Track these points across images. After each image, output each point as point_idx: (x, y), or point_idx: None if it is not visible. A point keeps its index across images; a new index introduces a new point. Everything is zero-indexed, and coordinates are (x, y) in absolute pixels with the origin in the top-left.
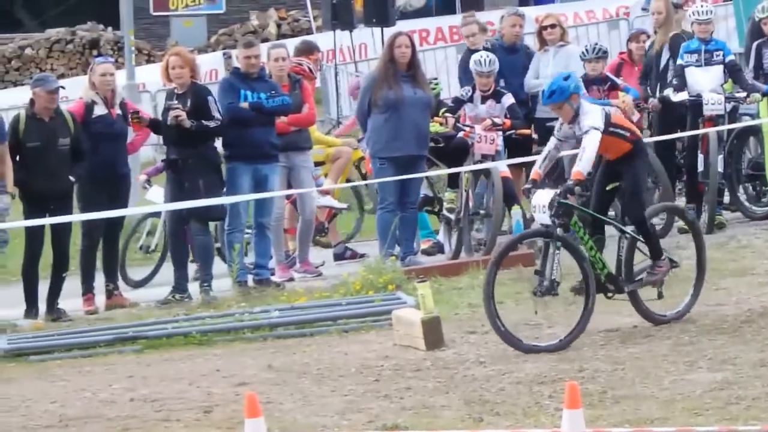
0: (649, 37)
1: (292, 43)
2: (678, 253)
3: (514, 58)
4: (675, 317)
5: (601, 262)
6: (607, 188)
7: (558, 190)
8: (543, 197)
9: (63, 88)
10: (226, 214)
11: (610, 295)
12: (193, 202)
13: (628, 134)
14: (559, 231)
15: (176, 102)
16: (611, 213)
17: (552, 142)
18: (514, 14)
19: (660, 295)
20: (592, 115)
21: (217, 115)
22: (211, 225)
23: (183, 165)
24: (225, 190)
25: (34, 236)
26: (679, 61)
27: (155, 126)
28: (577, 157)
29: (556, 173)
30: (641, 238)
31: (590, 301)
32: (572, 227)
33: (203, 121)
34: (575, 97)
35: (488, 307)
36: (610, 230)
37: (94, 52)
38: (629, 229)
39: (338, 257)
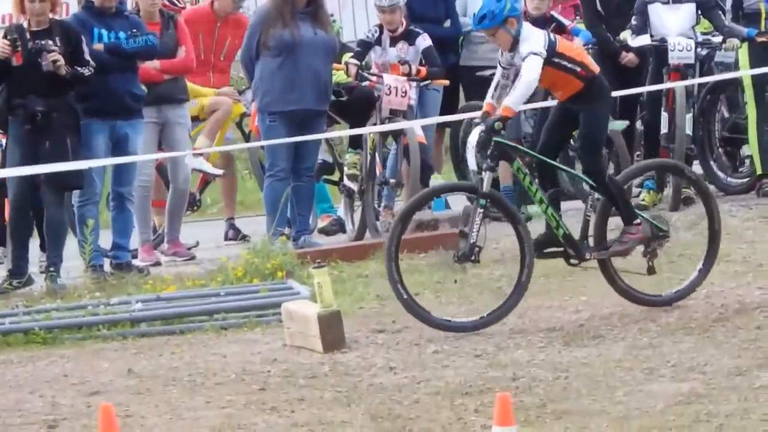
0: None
1: None
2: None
3: None
4: (673, 298)
5: (554, 219)
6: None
7: (482, 127)
8: (474, 134)
9: None
10: (84, 179)
11: (573, 261)
12: (41, 167)
13: (578, 69)
14: (487, 181)
15: (50, 43)
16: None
17: (499, 69)
18: None
19: (651, 270)
20: (533, 39)
21: (90, 60)
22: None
23: (45, 120)
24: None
25: None
26: None
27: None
28: (513, 87)
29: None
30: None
31: (524, 274)
32: (516, 174)
33: (77, 68)
34: (512, 21)
35: (390, 271)
36: None
37: None
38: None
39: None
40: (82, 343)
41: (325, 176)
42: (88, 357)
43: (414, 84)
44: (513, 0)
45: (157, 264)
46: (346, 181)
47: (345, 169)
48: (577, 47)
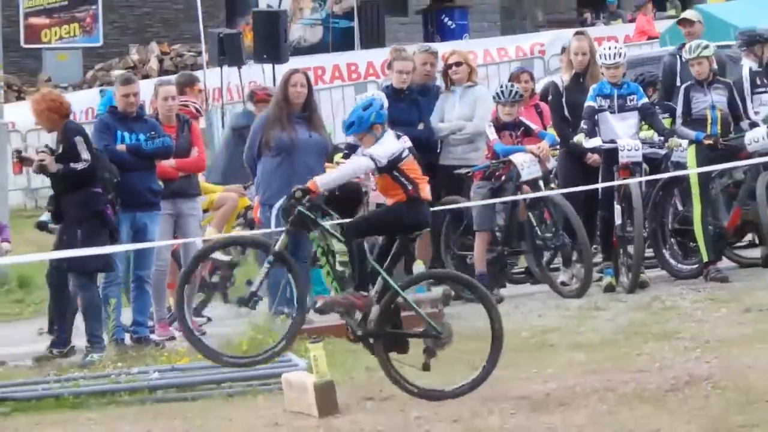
0: (532, 76)
1: None
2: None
3: (426, 101)
4: (451, 394)
5: (334, 286)
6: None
7: (285, 197)
8: (282, 201)
9: None
10: (111, 264)
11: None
12: (60, 252)
13: (409, 187)
14: (281, 241)
15: (45, 146)
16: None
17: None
18: (426, 51)
19: (426, 367)
20: (384, 146)
21: (84, 155)
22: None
23: (62, 214)
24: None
25: None
26: (590, 103)
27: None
28: (330, 170)
29: (463, 225)
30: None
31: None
32: (312, 243)
33: (71, 164)
34: (377, 126)
35: (182, 320)
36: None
37: None
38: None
39: None
40: (106, 408)
41: (318, 262)
42: (112, 420)
43: None
44: (379, 108)
45: (172, 338)
46: (338, 267)
47: (336, 257)
48: (419, 171)
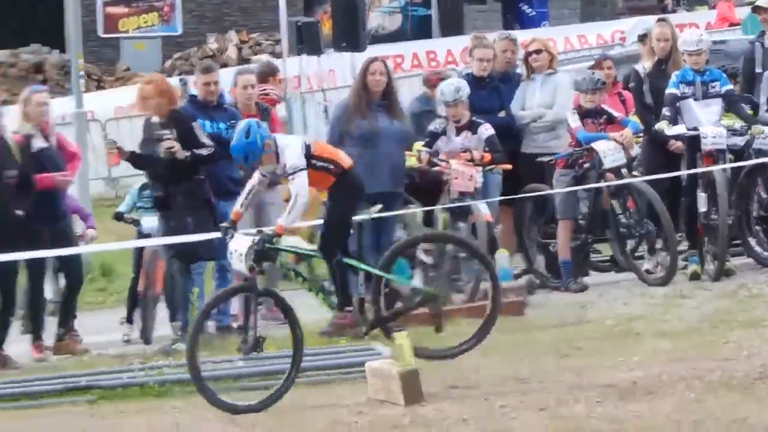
0: (613, 62)
1: None
2: None
3: (507, 88)
4: (442, 355)
5: (326, 304)
6: None
7: (256, 238)
8: (240, 243)
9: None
10: (216, 252)
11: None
12: (146, 241)
13: (331, 167)
14: (260, 282)
15: (167, 132)
16: None
17: (256, 176)
18: (506, 38)
19: (438, 329)
20: (292, 149)
21: (206, 141)
22: None
23: (170, 202)
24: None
25: None
26: (672, 90)
27: (135, 159)
28: (287, 207)
29: (546, 213)
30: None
31: (297, 354)
32: (281, 269)
33: (195, 150)
34: (267, 143)
35: (192, 366)
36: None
37: (39, 77)
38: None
39: None
40: (190, 396)
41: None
42: (197, 409)
43: (480, 168)
44: (257, 128)
45: None
46: (421, 255)
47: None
48: (327, 146)
